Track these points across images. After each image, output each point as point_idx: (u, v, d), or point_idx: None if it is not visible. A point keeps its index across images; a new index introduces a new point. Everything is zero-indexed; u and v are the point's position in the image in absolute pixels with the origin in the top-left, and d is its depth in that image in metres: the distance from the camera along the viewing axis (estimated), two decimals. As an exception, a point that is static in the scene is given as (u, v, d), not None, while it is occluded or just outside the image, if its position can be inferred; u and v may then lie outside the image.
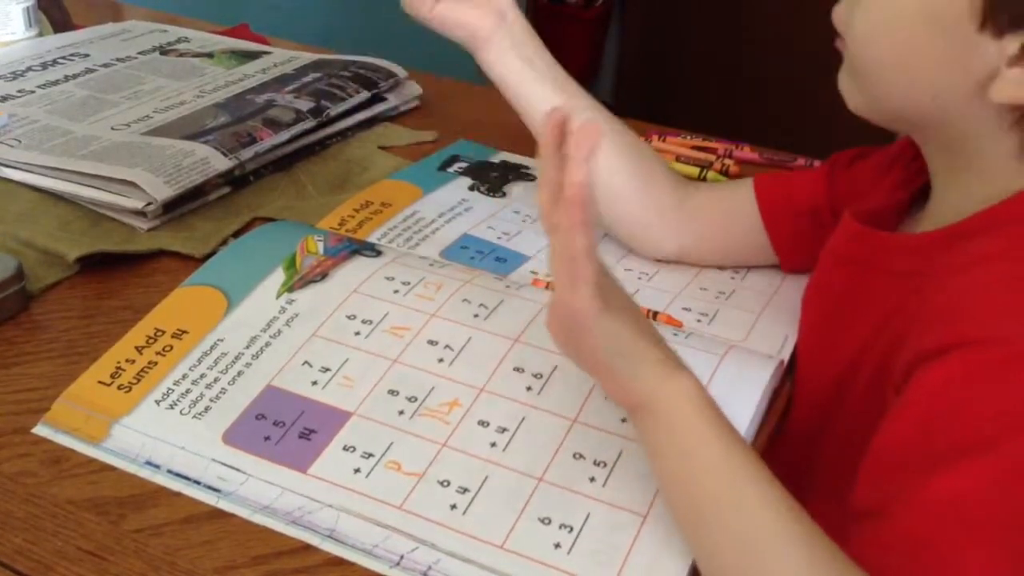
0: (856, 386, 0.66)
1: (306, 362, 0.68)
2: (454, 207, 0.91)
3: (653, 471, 0.57)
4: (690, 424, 0.55)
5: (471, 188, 0.95)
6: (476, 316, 0.71)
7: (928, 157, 0.67)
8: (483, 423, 0.64)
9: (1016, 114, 0.59)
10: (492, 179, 0.96)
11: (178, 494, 0.61)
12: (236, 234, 0.85)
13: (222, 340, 0.70)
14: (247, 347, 0.70)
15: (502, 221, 0.90)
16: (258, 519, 0.59)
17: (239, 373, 0.68)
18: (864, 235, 0.68)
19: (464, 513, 0.59)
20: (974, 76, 0.58)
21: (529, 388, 0.66)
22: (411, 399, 0.65)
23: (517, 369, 0.67)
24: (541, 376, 0.66)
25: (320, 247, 0.77)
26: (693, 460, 0.54)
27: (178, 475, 0.62)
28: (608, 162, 0.81)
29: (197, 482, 0.61)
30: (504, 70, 0.83)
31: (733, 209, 0.83)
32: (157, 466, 0.62)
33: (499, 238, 0.87)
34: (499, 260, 0.83)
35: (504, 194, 0.94)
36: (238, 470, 0.62)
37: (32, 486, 0.61)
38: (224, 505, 0.60)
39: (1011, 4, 0.55)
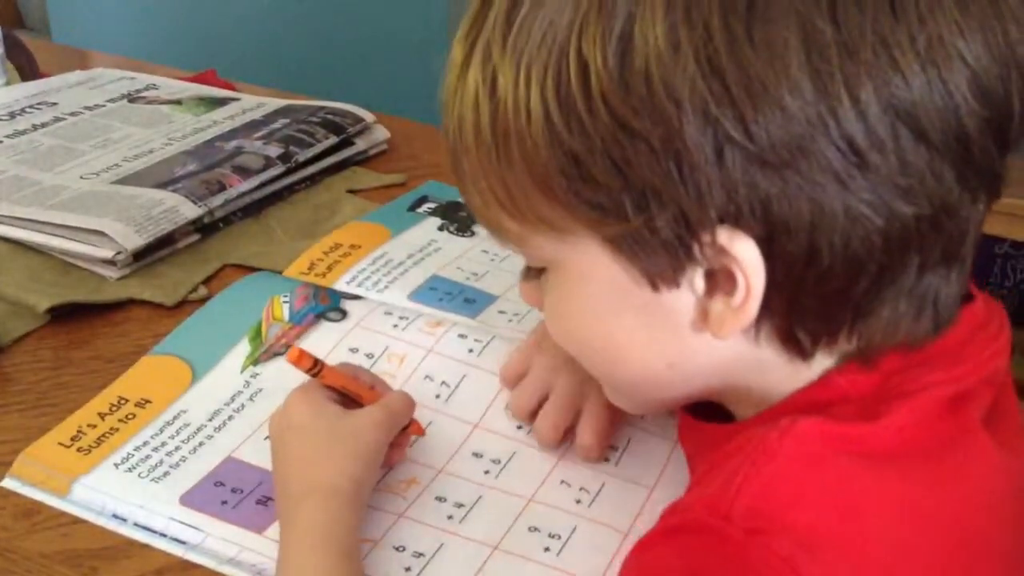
0: None
1: (267, 437, 0.67)
2: (423, 247, 0.92)
3: None
4: None
5: (440, 228, 0.96)
6: (438, 397, 0.72)
7: (730, 405, 0.58)
8: (440, 499, 0.65)
9: (755, 330, 0.50)
10: (461, 218, 0.97)
11: (147, 546, 0.61)
12: (206, 281, 0.86)
13: (185, 411, 0.71)
14: (210, 420, 0.70)
15: (471, 261, 0.90)
16: (226, 570, 0.59)
17: (200, 444, 0.68)
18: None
19: None
20: (688, 329, 0.50)
21: (487, 472, 0.67)
22: None
23: (476, 454, 0.68)
24: (499, 461, 0.67)
25: (286, 311, 0.78)
26: None
27: (144, 528, 0.62)
28: None
29: (163, 535, 0.62)
30: None
31: None
32: (124, 519, 0.63)
33: (468, 279, 0.87)
34: (468, 301, 0.84)
35: (473, 233, 0.95)
36: (196, 528, 0.62)
37: (4, 539, 0.61)
38: (192, 557, 0.60)
39: (655, 261, 0.48)
